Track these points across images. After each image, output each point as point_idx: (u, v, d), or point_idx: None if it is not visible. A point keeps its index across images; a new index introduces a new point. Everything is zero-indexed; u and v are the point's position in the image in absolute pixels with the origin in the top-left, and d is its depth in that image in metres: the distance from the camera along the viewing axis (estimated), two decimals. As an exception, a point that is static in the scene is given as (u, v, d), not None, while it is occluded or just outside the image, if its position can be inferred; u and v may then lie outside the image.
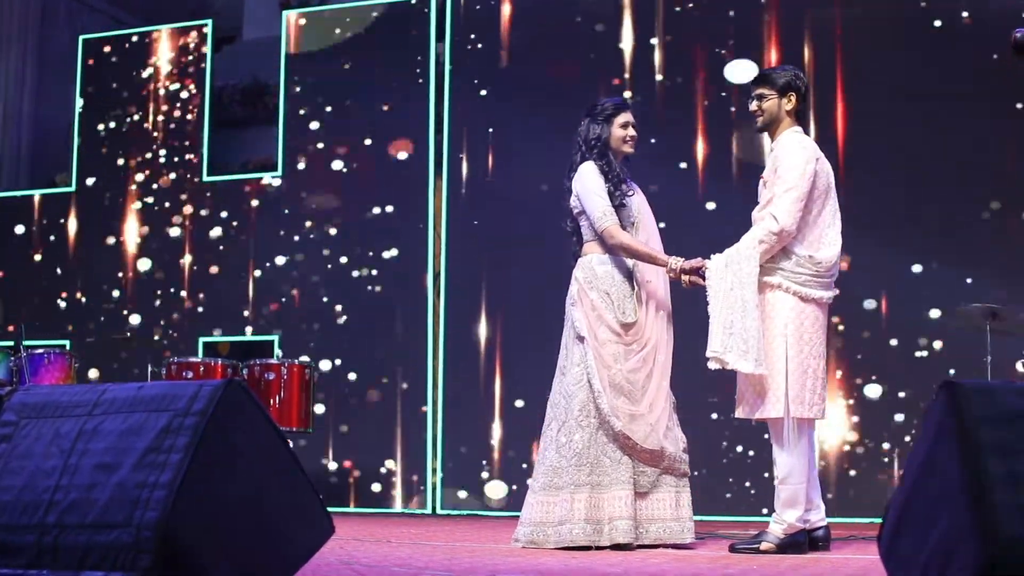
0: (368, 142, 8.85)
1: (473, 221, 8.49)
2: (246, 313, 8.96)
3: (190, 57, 9.45)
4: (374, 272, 8.68)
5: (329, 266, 8.79)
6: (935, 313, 7.36)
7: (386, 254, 8.67)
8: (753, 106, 5.01)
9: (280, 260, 8.92)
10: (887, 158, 7.65)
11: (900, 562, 2.61)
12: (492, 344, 8.29)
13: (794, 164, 4.78)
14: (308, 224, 8.90)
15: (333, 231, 8.83)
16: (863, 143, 7.67)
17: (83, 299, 9.37)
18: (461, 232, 8.48)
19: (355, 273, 8.73)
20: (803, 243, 4.80)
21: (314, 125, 9.01)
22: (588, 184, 5.07)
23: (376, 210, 8.75)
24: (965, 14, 7.63)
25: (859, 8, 7.87)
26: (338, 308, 8.72)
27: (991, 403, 2.41)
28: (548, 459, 4.96)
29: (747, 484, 7.55)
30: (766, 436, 4.98)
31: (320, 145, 8.97)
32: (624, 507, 4.80)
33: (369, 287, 8.69)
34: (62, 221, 9.56)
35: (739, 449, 7.56)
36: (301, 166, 8.99)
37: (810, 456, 4.80)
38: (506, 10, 8.60)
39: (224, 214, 9.14)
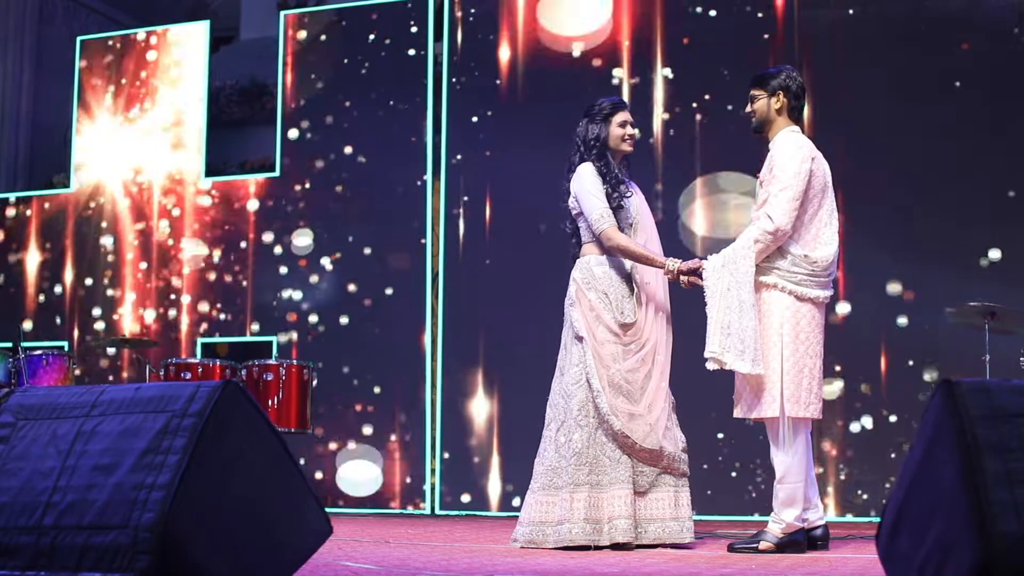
0: (367, 143, 8.83)
1: (475, 215, 8.47)
2: (245, 314, 8.95)
3: (187, 57, 9.45)
4: (370, 273, 8.67)
5: (329, 265, 8.78)
6: (935, 311, 7.35)
7: (385, 248, 8.66)
8: (747, 108, 5.05)
9: (278, 262, 8.91)
10: (886, 158, 7.65)
11: (898, 561, 2.61)
12: (491, 348, 8.29)
13: (788, 164, 4.79)
14: (305, 225, 8.89)
15: (333, 229, 8.82)
16: (863, 144, 7.66)
17: (81, 300, 9.36)
18: (458, 237, 8.47)
19: (351, 275, 8.72)
20: (799, 242, 4.81)
21: (312, 124, 9.00)
22: (586, 185, 5.08)
23: (378, 206, 8.74)
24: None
25: (858, 9, 7.86)
26: (335, 310, 8.71)
27: (988, 402, 2.41)
28: (547, 459, 4.97)
29: (745, 483, 7.55)
30: (762, 437, 4.97)
31: (318, 147, 8.95)
32: (624, 506, 4.80)
33: (366, 288, 8.67)
34: (60, 222, 9.55)
35: (738, 449, 7.55)
36: (299, 167, 8.98)
37: (807, 455, 4.81)
38: (503, 12, 8.59)
39: (222, 215, 9.13)
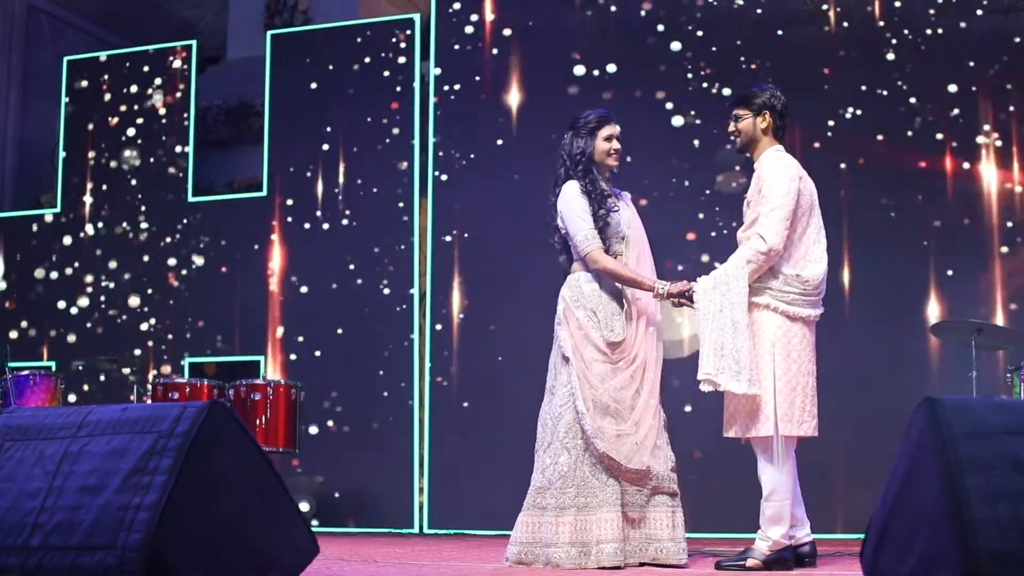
0: (354, 162, 8.84)
1: (462, 234, 8.48)
2: (233, 333, 8.95)
3: (175, 77, 9.46)
4: (358, 292, 8.67)
5: (316, 284, 8.78)
6: (922, 326, 7.39)
7: (375, 269, 8.66)
8: (731, 127, 5.05)
9: (265, 280, 8.90)
10: (871, 176, 7.69)
11: (882, 577, 2.62)
12: (480, 366, 8.29)
13: (777, 183, 4.80)
14: (294, 245, 8.89)
15: (320, 249, 8.82)
16: (848, 160, 7.70)
17: (68, 319, 9.34)
18: (446, 255, 8.47)
19: (339, 293, 8.71)
20: (789, 262, 4.81)
21: (299, 145, 9.01)
22: (571, 205, 4.99)
23: (365, 226, 8.74)
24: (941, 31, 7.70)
25: (834, 26, 7.91)
26: (323, 328, 8.71)
27: (970, 420, 2.43)
28: (535, 479, 4.95)
29: (733, 501, 7.54)
30: (748, 454, 4.97)
31: (305, 167, 8.96)
32: (611, 530, 4.75)
33: (354, 306, 8.67)
34: (47, 241, 9.54)
35: (725, 466, 7.55)
36: (286, 187, 8.98)
37: (794, 473, 4.81)
38: (490, 32, 8.63)
39: (209, 235, 9.13)
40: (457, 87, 8.66)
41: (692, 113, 8.03)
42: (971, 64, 7.65)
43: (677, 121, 8.06)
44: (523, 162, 8.20)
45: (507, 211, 8.30)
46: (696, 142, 8.01)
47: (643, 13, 8.26)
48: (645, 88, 8.17)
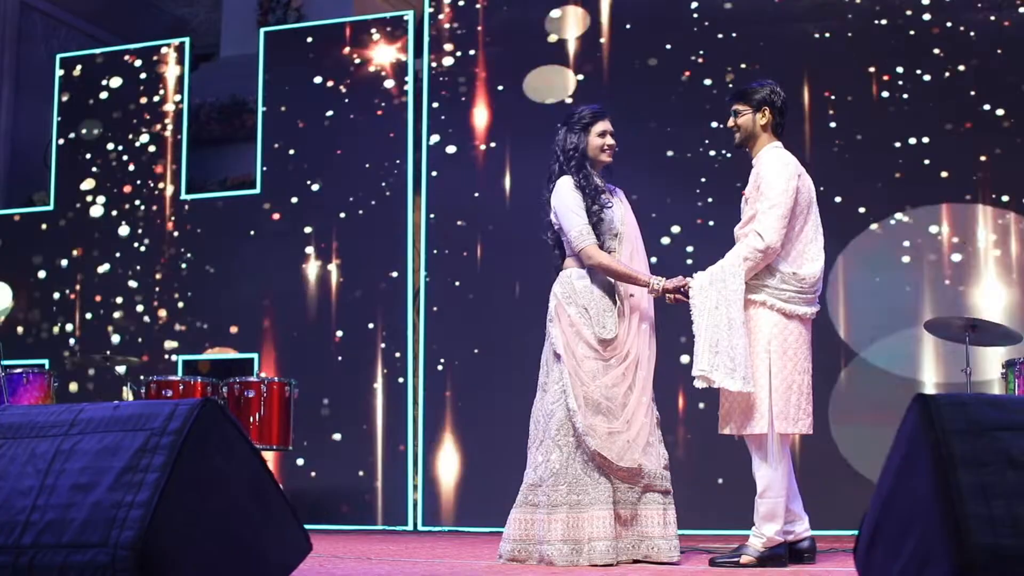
0: (348, 160, 8.83)
1: (455, 225, 8.48)
2: (225, 331, 8.94)
3: (167, 75, 9.44)
4: (352, 288, 8.66)
5: (311, 280, 8.77)
6: (917, 322, 7.39)
7: (365, 265, 8.65)
8: (730, 123, 5.04)
9: (259, 279, 8.89)
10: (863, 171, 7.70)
11: (875, 574, 2.62)
12: (474, 363, 8.28)
13: (776, 181, 4.79)
14: (287, 242, 8.88)
15: (311, 248, 8.82)
16: (840, 155, 7.71)
17: (62, 317, 9.33)
18: (440, 252, 8.47)
19: (333, 291, 8.71)
20: (786, 260, 4.81)
21: (292, 142, 8.99)
22: (565, 201, 4.99)
23: (357, 223, 8.74)
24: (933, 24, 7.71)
25: (836, 21, 7.93)
26: (316, 325, 8.70)
27: (963, 416, 2.43)
28: (528, 476, 4.95)
29: (727, 497, 7.55)
30: (743, 451, 4.97)
31: (298, 164, 8.94)
32: (603, 528, 4.74)
33: (347, 303, 8.67)
34: (40, 240, 9.52)
35: (720, 463, 7.56)
36: (280, 184, 8.97)
37: (789, 469, 4.81)
38: (481, 29, 8.63)
39: (202, 232, 9.12)
40: (450, 83, 8.65)
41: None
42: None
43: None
44: (518, 155, 8.20)
45: (502, 206, 8.30)
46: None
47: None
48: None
